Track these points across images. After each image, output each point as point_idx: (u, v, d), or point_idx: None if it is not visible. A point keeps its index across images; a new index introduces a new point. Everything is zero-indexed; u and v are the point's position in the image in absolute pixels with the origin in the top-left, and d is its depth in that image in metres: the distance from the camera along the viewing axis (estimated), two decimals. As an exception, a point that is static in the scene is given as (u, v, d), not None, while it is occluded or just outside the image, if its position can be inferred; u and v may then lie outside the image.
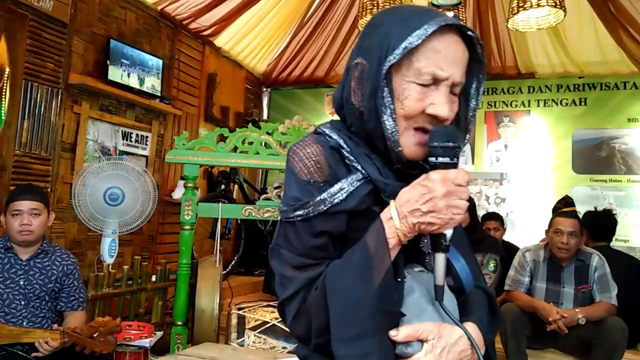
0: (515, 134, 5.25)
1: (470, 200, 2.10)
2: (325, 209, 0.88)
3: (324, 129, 0.96)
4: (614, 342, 2.60)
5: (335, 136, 0.93)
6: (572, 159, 5.00)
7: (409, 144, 0.89)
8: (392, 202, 0.87)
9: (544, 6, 3.32)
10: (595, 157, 4.92)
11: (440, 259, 0.88)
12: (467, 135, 0.96)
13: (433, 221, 0.83)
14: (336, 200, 0.88)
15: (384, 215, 0.87)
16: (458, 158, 0.87)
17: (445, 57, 0.86)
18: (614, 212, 3.57)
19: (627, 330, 2.63)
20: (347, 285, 0.83)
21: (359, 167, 0.91)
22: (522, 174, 5.15)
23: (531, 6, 3.34)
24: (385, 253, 0.85)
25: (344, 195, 0.89)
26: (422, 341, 0.85)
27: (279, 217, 0.95)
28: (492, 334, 0.96)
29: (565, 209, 3.73)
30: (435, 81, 0.87)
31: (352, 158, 0.92)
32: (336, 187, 0.89)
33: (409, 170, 0.92)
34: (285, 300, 0.90)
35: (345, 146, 0.92)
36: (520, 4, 3.40)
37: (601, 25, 4.39)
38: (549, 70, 5.09)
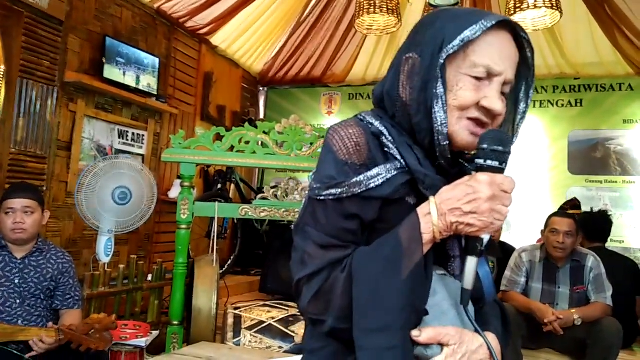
0: (511, 134, 5.25)
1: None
2: (359, 191, 0.86)
3: (366, 116, 0.95)
4: (609, 342, 2.61)
5: (377, 123, 0.92)
6: (568, 160, 5.02)
7: (462, 132, 0.88)
8: (431, 198, 0.86)
9: (540, 7, 3.34)
10: (590, 158, 4.94)
11: (472, 262, 0.86)
12: (515, 139, 0.96)
13: (473, 222, 0.82)
14: (372, 185, 0.87)
15: (421, 209, 0.86)
16: (506, 164, 0.86)
17: (500, 53, 0.87)
18: (609, 213, 3.59)
19: (622, 331, 2.64)
20: (376, 276, 0.82)
21: (398, 157, 0.89)
22: (518, 174, 5.14)
23: (528, 7, 3.36)
24: (417, 248, 0.83)
25: (380, 181, 0.87)
26: (442, 345, 0.83)
27: (307, 195, 0.92)
28: (505, 346, 0.95)
29: (572, 212, 3.74)
30: (489, 76, 0.87)
31: (391, 146, 0.90)
32: (373, 171, 0.87)
33: (449, 168, 0.91)
34: (305, 277, 0.88)
35: (386, 134, 0.91)
36: (517, 5, 3.42)
37: (597, 26, 4.41)
38: (545, 71, 5.10)
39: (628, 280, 3.15)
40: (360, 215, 0.88)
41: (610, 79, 4.94)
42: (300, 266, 0.89)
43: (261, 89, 6.07)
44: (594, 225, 3.39)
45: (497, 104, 0.87)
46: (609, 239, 3.47)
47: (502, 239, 4.13)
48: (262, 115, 6.03)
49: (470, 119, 0.88)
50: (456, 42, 0.85)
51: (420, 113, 0.88)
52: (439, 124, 0.87)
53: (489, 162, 0.84)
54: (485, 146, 0.85)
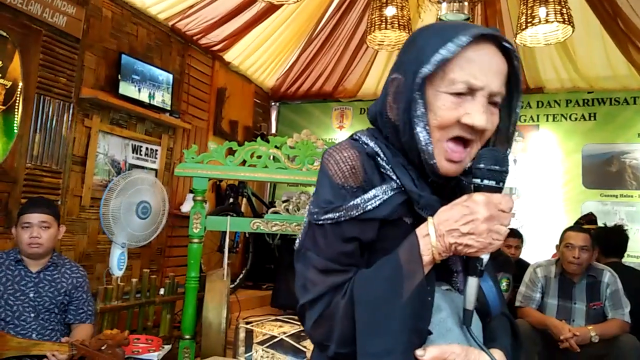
0: (524, 148, 5.23)
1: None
2: (357, 214, 0.87)
3: (361, 136, 0.95)
4: (627, 360, 2.55)
5: (372, 143, 0.92)
6: (582, 174, 4.97)
7: (440, 159, 0.87)
8: (429, 219, 0.85)
9: (552, 22, 3.34)
10: (605, 172, 4.89)
11: (472, 283, 0.86)
12: (509, 149, 0.95)
13: (471, 243, 0.82)
14: (369, 207, 0.87)
15: (419, 230, 0.86)
16: (504, 182, 0.85)
17: (481, 67, 0.85)
18: (625, 227, 3.54)
19: (641, 348, 2.59)
20: (377, 299, 0.82)
21: (394, 177, 0.90)
22: (532, 188, 5.12)
23: (539, 22, 3.36)
24: (418, 269, 0.83)
25: (377, 202, 0.88)
26: None
27: (307, 219, 0.93)
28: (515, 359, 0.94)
29: (588, 227, 3.69)
30: (471, 91, 0.85)
31: (387, 167, 0.90)
32: (370, 193, 0.88)
33: (444, 183, 0.91)
34: (307, 303, 0.89)
35: (381, 154, 0.91)
36: (529, 20, 3.42)
37: (610, 40, 4.39)
38: (557, 85, 5.08)
39: (646, 297, 3.09)
40: (359, 238, 0.88)
41: (624, 93, 4.91)
42: (302, 291, 0.90)
43: (273, 104, 6.12)
44: (610, 240, 3.34)
45: (479, 119, 0.85)
46: (625, 254, 3.41)
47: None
48: (274, 130, 6.07)
49: (454, 139, 0.87)
50: (431, 62, 0.84)
51: (407, 134, 0.88)
52: (423, 144, 0.86)
53: (485, 182, 0.84)
54: (481, 165, 0.84)
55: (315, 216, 0.90)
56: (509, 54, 0.89)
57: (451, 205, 0.85)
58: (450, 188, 0.92)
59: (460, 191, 0.90)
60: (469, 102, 0.85)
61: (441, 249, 0.83)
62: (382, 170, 0.91)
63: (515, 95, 0.94)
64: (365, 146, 0.93)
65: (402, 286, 0.82)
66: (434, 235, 0.83)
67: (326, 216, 0.88)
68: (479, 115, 0.85)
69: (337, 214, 0.87)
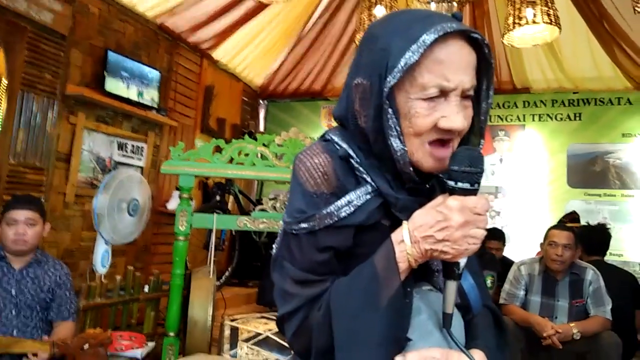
0: (510, 147, 5.28)
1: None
2: (331, 222, 0.84)
3: (334, 137, 0.91)
4: (608, 356, 2.60)
5: (344, 145, 0.89)
6: (567, 173, 5.03)
7: (426, 159, 0.84)
8: (404, 224, 0.83)
9: (539, 23, 3.37)
10: (589, 172, 4.95)
11: (451, 286, 0.84)
12: (482, 141, 0.91)
13: (447, 250, 0.80)
14: (343, 214, 0.85)
15: (395, 236, 0.83)
16: (479, 184, 0.81)
17: (450, 66, 0.80)
18: (608, 226, 3.58)
19: (622, 344, 2.63)
20: (354, 310, 0.80)
21: (369, 179, 0.86)
22: (517, 187, 5.17)
23: (527, 22, 3.38)
24: (394, 277, 0.80)
25: (352, 208, 0.85)
26: None
27: (282, 228, 0.91)
28: (501, 354, 0.92)
29: (571, 225, 3.74)
30: (443, 92, 0.81)
31: (361, 169, 0.87)
32: (343, 200, 0.85)
33: (421, 187, 0.88)
34: (286, 315, 0.88)
35: (354, 156, 0.88)
36: (516, 21, 3.44)
37: (596, 41, 4.44)
38: (544, 85, 5.14)
39: (627, 294, 3.14)
40: (334, 246, 0.86)
41: (609, 93, 4.97)
42: (280, 302, 0.89)
43: (261, 102, 6.11)
44: (593, 239, 3.38)
45: (456, 122, 0.81)
46: (608, 253, 3.45)
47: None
48: (262, 128, 6.06)
49: (431, 142, 0.84)
50: (399, 68, 0.79)
51: (379, 142, 0.85)
52: (398, 153, 0.83)
53: (459, 184, 0.80)
54: (455, 167, 0.80)
55: (289, 226, 0.88)
56: (477, 42, 0.84)
57: (426, 208, 0.82)
58: (426, 189, 0.89)
59: (439, 189, 0.87)
60: (442, 104, 0.82)
61: (417, 256, 0.81)
62: (357, 173, 0.88)
63: (485, 83, 0.88)
64: (338, 147, 0.89)
65: (379, 295, 0.80)
66: (409, 241, 0.81)
67: (300, 226, 0.86)
68: (456, 116, 0.81)
69: (311, 224, 0.85)
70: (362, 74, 0.86)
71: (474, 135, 0.90)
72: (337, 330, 0.80)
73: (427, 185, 0.88)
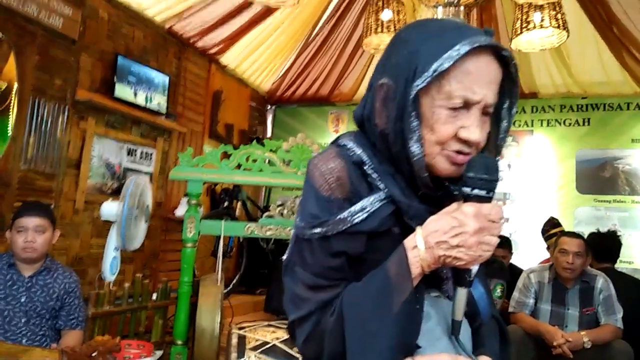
0: (518, 153, 5.25)
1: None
2: (344, 228, 0.84)
3: (348, 142, 0.92)
4: (620, 366, 2.56)
5: (358, 151, 0.89)
6: (575, 179, 4.99)
7: (443, 163, 0.84)
8: (418, 230, 0.83)
9: (547, 27, 3.35)
10: (599, 178, 4.91)
11: (462, 294, 0.85)
12: (498, 157, 0.92)
13: (460, 256, 0.80)
14: (356, 220, 0.85)
15: (408, 242, 0.83)
16: (494, 192, 0.82)
17: (478, 79, 0.81)
18: (618, 233, 3.55)
19: (633, 353, 2.60)
20: (366, 315, 0.80)
21: (382, 186, 0.87)
22: (525, 193, 5.13)
23: (534, 27, 3.37)
24: (406, 282, 0.81)
25: (365, 215, 0.85)
26: None
27: (294, 233, 0.91)
28: None
29: (554, 230, 3.71)
30: (467, 104, 0.82)
31: (374, 176, 0.88)
32: (357, 206, 0.85)
33: (434, 194, 0.88)
34: (297, 320, 0.88)
35: (368, 162, 0.88)
36: (524, 25, 3.43)
37: (604, 46, 4.42)
38: (552, 90, 5.11)
39: (638, 302, 3.10)
40: (347, 252, 0.86)
41: (618, 98, 4.93)
42: (291, 307, 0.89)
43: (269, 107, 6.12)
44: (603, 246, 3.35)
45: (476, 134, 0.82)
46: (618, 260, 3.42)
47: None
48: (269, 134, 6.07)
49: (450, 151, 0.84)
50: (428, 73, 0.80)
51: (398, 144, 0.85)
52: (416, 157, 0.83)
53: (475, 192, 0.81)
54: (471, 174, 0.81)
55: (301, 230, 0.88)
56: (505, 60, 0.86)
57: (440, 215, 0.82)
58: (439, 197, 0.89)
59: (449, 199, 0.87)
60: (464, 115, 0.83)
61: (430, 261, 0.81)
62: (370, 179, 0.88)
63: (507, 102, 0.90)
64: (352, 154, 0.90)
65: (391, 301, 0.80)
66: (423, 247, 0.81)
67: (313, 231, 0.86)
68: (475, 129, 0.82)
69: (324, 229, 0.85)
70: (388, 75, 0.86)
71: (490, 153, 0.91)
72: (349, 336, 0.80)
73: (439, 194, 0.89)
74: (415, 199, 0.87)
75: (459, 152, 0.84)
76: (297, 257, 0.89)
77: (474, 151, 0.86)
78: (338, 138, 0.96)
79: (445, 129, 0.82)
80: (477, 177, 0.81)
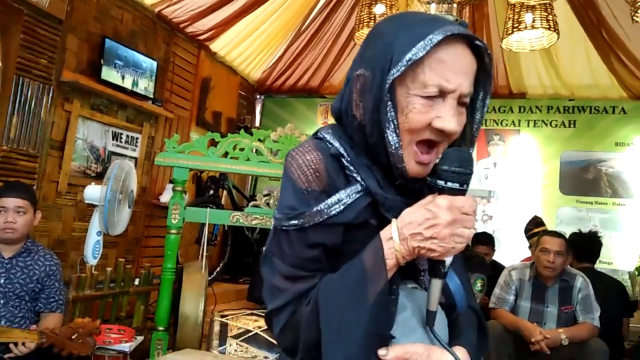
0: (504, 152, 5.30)
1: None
2: (321, 220, 0.85)
3: (325, 135, 0.93)
4: (595, 364, 2.61)
5: (336, 144, 0.90)
6: (559, 180, 5.06)
7: (409, 161, 0.86)
8: (393, 222, 0.84)
9: (538, 28, 3.38)
10: (582, 179, 4.98)
11: (436, 285, 0.85)
12: (472, 149, 0.93)
13: (434, 248, 0.81)
14: (333, 212, 0.85)
15: (383, 234, 0.84)
16: (468, 185, 0.83)
17: (452, 68, 0.82)
18: (599, 234, 3.61)
19: (609, 352, 2.65)
20: (341, 305, 0.81)
21: (359, 178, 0.88)
22: (510, 192, 5.19)
23: (525, 27, 3.39)
24: (381, 273, 0.82)
25: (342, 207, 0.86)
26: None
27: (273, 224, 0.92)
28: (479, 354, 0.95)
29: (537, 229, 3.76)
30: (442, 93, 0.83)
31: (352, 168, 0.88)
32: (334, 198, 0.86)
33: (411, 185, 0.89)
34: (274, 311, 0.89)
35: (345, 155, 0.89)
36: (515, 25, 3.45)
37: (593, 49, 4.47)
38: (540, 91, 5.16)
39: (615, 302, 3.17)
40: (324, 243, 0.87)
41: (604, 102, 5.00)
42: (269, 297, 0.90)
43: (258, 96, 6.08)
44: (584, 246, 3.40)
45: (450, 124, 0.83)
46: (597, 260, 3.48)
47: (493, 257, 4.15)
48: (257, 123, 6.03)
49: (421, 141, 0.85)
50: (402, 62, 0.81)
51: (375, 135, 0.86)
52: (393, 147, 0.84)
53: (449, 184, 0.81)
54: (445, 167, 0.82)
55: (279, 222, 0.88)
56: (479, 51, 0.86)
57: (415, 207, 0.83)
58: (415, 190, 0.90)
59: (427, 190, 0.88)
60: (439, 105, 0.83)
61: (405, 253, 0.82)
62: (347, 171, 0.89)
63: (482, 93, 0.91)
64: (330, 146, 0.90)
65: (366, 291, 0.81)
66: (397, 238, 0.82)
67: (290, 222, 0.86)
68: (450, 119, 0.83)
69: (301, 220, 0.86)
70: (365, 66, 0.88)
71: (464, 143, 0.92)
72: (324, 325, 0.81)
73: (416, 186, 0.90)
74: (392, 191, 0.89)
75: (427, 144, 0.85)
76: (275, 248, 0.90)
77: (446, 142, 0.87)
78: (317, 131, 0.97)
79: (419, 117, 0.83)
80: (450, 169, 0.81)
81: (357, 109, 0.89)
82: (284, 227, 0.87)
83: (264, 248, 0.95)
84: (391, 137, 0.84)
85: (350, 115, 0.90)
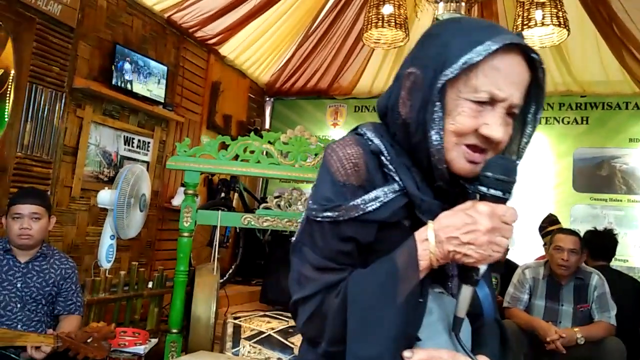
0: (516, 150, 5.25)
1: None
2: (356, 215, 0.85)
3: (367, 131, 0.92)
4: (612, 363, 2.58)
5: (377, 141, 0.89)
6: (572, 177, 5.00)
7: (459, 159, 0.85)
8: (430, 223, 0.83)
9: (548, 25, 3.35)
10: (595, 176, 4.92)
11: (467, 291, 0.85)
12: (519, 162, 0.92)
13: (470, 254, 0.80)
14: (369, 209, 0.85)
15: (419, 235, 0.83)
16: (511, 194, 0.82)
17: (506, 77, 0.82)
18: (614, 231, 3.56)
19: (626, 351, 2.61)
20: (370, 301, 0.81)
21: (397, 178, 0.87)
22: (523, 190, 5.13)
23: (535, 24, 3.37)
24: (413, 274, 0.81)
25: (378, 204, 0.85)
26: None
27: (305, 214, 0.91)
28: None
29: (552, 227, 3.72)
30: (492, 101, 0.82)
31: (391, 167, 0.88)
32: (371, 194, 0.85)
33: (449, 188, 0.88)
34: (300, 299, 0.88)
35: (385, 153, 0.88)
36: (525, 22, 3.42)
37: (604, 45, 4.41)
38: (551, 88, 5.10)
39: (632, 300, 3.12)
40: (356, 238, 0.86)
41: (616, 98, 4.94)
42: (296, 286, 0.89)
43: (268, 99, 6.10)
44: (599, 244, 3.36)
45: (497, 132, 0.82)
46: (613, 258, 3.44)
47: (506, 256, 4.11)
48: (267, 126, 6.05)
49: (467, 145, 0.84)
50: (457, 65, 0.81)
51: (419, 134, 0.85)
52: (435, 148, 0.84)
53: (492, 192, 0.81)
54: (489, 174, 0.81)
55: (313, 212, 0.88)
56: (534, 64, 0.86)
57: (454, 211, 0.82)
58: (453, 195, 0.89)
59: (463, 198, 0.87)
60: (488, 112, 0.83)
61: (439, 256, 0.81)
62: (386, 170, 0.88)
63: (533, 106, 0.90)
64: (370, 143, 0.90)
65: (396, 290, 0.80)
66: (433, 240, 0.81)
67: (325, 214, 0.86)
68: (497, 127, 0.82)
69: (336, 213, 0.85)
70: (417, 64, 0.87)
71: (512, 156, 0.92)
72: (351, 320, 0.80)
73: (456, 190, 0.89)
74: (429, 194, 0.88)
75: (475, 148, 0.84)
76: (306, 238, 0.89)
77: (493, 150, 0.86)
78: (357, 127, 0.96)
79: (467, 122, 0.83)
80: (494, 177, 0.81)
81: (403, 107, 0.88)
82: (318, 219, 0.87)
83: (293, 239, 0.94)
84: (435, 137, 0.83)
85: (396, 113, 0.90)
